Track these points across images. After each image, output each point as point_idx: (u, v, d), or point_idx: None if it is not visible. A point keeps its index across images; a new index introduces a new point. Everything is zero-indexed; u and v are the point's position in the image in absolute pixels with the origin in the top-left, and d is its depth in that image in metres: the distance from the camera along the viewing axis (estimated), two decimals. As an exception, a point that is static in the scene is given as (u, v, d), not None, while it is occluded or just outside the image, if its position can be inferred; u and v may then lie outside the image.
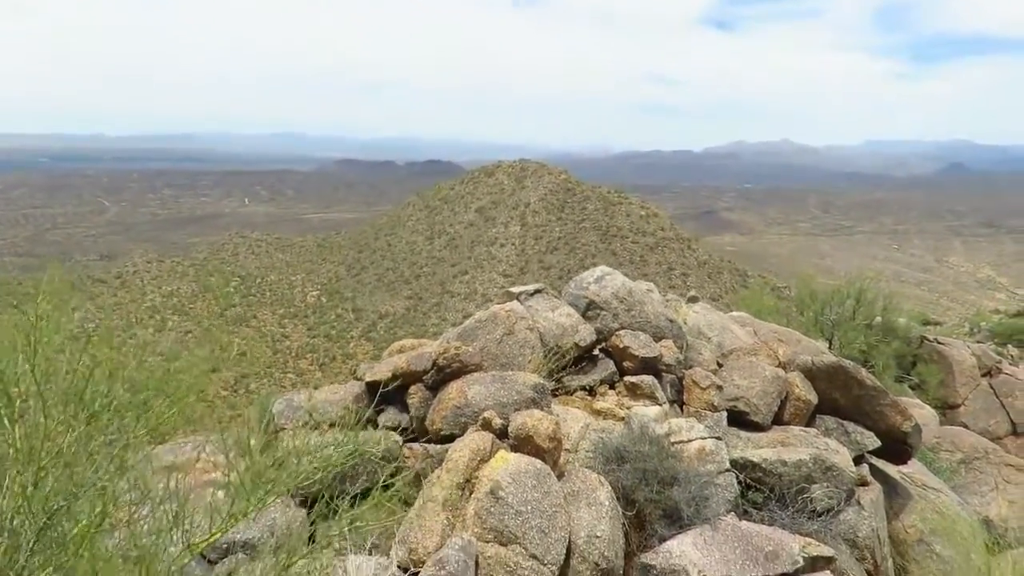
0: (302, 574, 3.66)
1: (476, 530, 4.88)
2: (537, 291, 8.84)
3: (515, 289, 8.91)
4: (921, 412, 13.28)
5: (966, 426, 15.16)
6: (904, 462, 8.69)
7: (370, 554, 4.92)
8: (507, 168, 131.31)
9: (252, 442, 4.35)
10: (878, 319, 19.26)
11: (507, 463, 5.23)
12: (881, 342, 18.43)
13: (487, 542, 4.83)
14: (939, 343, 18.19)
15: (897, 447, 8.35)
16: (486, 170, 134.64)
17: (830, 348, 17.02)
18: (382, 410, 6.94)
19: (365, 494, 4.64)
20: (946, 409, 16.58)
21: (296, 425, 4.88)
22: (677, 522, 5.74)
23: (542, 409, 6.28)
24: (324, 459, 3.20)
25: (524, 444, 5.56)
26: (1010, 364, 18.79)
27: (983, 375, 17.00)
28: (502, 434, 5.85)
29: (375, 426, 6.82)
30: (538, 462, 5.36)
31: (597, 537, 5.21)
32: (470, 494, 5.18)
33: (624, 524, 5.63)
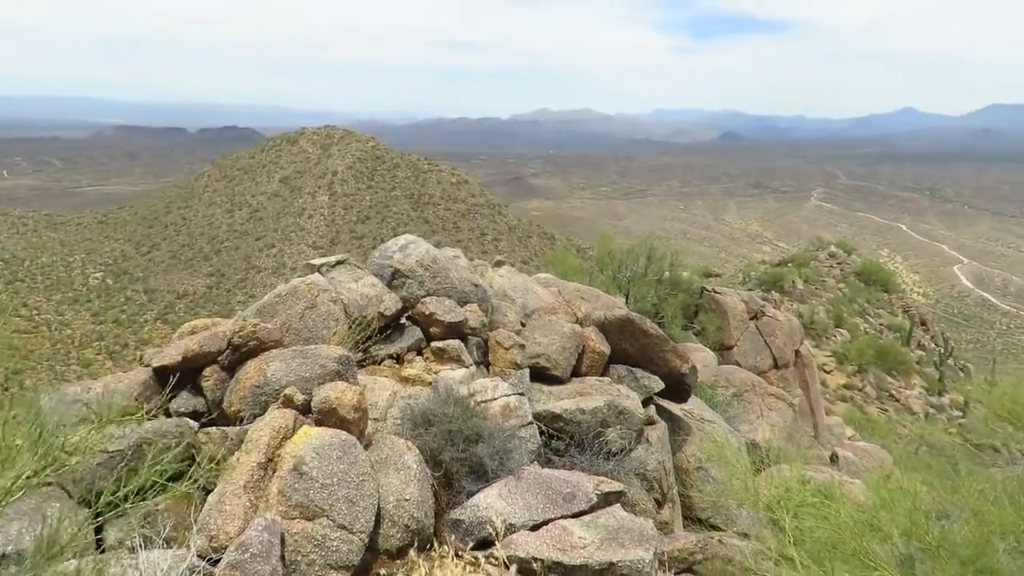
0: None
1: (281, 508, 4.77)
2: (340, 262, 8.67)
3: (316, 261, 8.67)
4: (702, 355, 14.83)
5: (739, 364, 17.20)
6: (685, 400, 9.72)
7: (166, 547, 4.63)
8: (311, 135, 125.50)
9: (18, 441, 3.91)
10: (666, 274, 21.17)
11: (310, 437, 5.14)
12: (669, 295, 20.28)
13: (292, 519, 4.74)
14: (716, 293, 20.37)
15: (678, 387, 9.31)
16: (289, 138, 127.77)
17: (627, 302, 18.42)
18: (174, 396, 6.50)
19: (160, 485, 4.37)
20: (723, 350, 18.67)
21: (71, 420, 4.44)
22: (483, 477, 6.00)
23: (347, 381, 6.22)
24: (96, 449, 2.96)
25: (328, 417, 5.50)
26: (772, 307, 21.53)
27: (751, 319, 19.33)
28: (305, 410, 5.73)
29: (167, 414, 6.38)
30: (343, 433, 5.33)
31: (406, 500, 5.31)
32: (273, 473, 5.04)
33: (433, 485, 5.79)
